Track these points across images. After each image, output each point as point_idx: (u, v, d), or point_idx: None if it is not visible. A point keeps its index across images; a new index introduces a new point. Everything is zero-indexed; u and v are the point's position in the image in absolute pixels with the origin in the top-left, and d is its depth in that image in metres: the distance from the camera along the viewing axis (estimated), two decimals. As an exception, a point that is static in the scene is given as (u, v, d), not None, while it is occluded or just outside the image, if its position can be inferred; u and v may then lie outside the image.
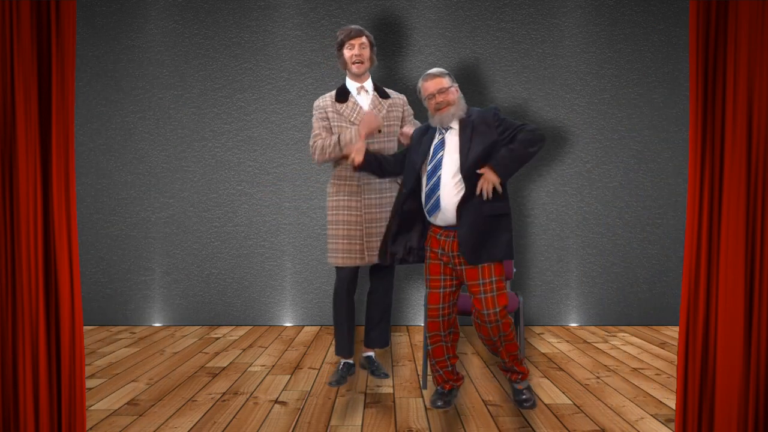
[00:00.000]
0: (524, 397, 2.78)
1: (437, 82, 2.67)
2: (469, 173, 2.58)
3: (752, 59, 1.87)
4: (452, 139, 2.68)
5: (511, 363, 2.78)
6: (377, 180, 3.15)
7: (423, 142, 2.78)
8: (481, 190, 2.55)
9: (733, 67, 1.87)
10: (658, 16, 4.57)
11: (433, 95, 2.67)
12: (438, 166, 2.66)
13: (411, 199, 2.76)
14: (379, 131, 3.16)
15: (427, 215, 2.71)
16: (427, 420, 2.67)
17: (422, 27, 4.57)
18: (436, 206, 2.64)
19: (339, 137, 3.05)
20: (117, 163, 4.65)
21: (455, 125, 2.69)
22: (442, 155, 2.66)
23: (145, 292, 4.65)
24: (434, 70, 2.74)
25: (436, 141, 2.72)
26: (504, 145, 2.62)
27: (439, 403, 2.75)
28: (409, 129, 3.10)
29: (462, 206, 2.59)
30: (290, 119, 4.61)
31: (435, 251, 2.73)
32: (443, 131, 2.71)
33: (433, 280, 2.75)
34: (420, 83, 2.75)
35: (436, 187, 2.63)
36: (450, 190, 2.61)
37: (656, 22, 4.58)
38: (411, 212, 2.76)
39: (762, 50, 1.86)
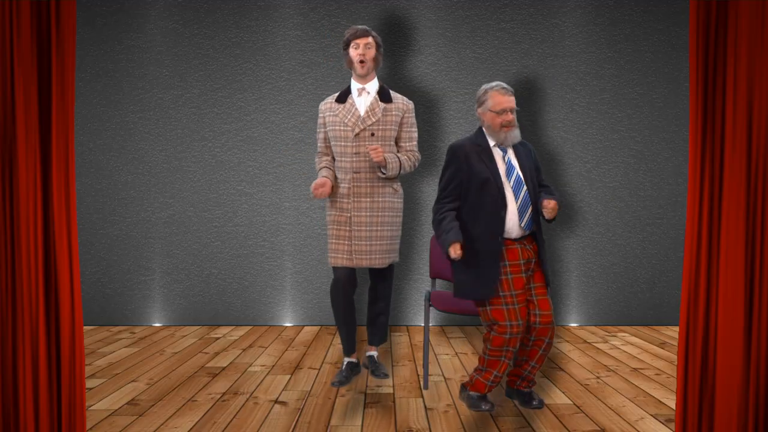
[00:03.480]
0: (534, 401, 2.76)
1: (513, 101, 2.65)
2: (535, 193, 2.69)
3: (752, 59, 1.86)
4: (512, 156, 2.70)
5: (536, 371, 2.74)
6: (369, 184, 3.13)
7: (483, 155, 2.68)
8: (542, 212, 2.65)
9: (733, 67, 1.87)
10: (658, 16, 4.58)
11: (506, 111, 2.62)
12: (521, 182, 2.65)
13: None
14: (372, 134, 3.13)
15: (523, 230, 2.63)
16: (427, 420, 2.67)
17: (422, 27, 4.57)
18: (532, 220, 2.64)
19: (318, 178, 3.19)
20: (117, 163, 4.65)
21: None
22: (518, 171, 2.67)
23: (145, 292, 4.65)
24: (506, 85, 2.68)
25: (505, 156, 2.69)
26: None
27: (486, 407, 2.63)
28: (377, 150, 3.00)
29: (538, 225, 2.69)
30: (290, 119, 4.61)
31: (517, 263, 2.63)
32: (505, 149, 2.69)
33: (520, 294, 2.61)
34: (490, 92, 2.65)
35: (527, 200, 2.63)
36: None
37: (656, 22, 4.58)
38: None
39: (762, 50, 1.86)
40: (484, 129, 2.72)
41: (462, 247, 2.58)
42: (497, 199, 2.61)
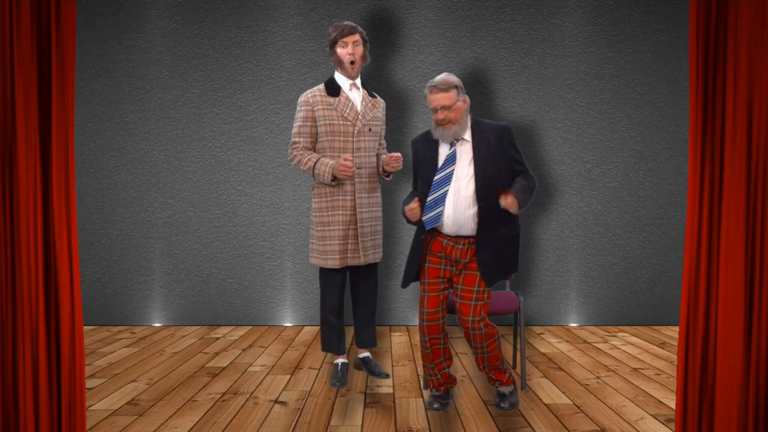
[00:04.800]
0: (503, 403, 2.74)
1: (442, 98, 2.57)
2: (485, 194, 2.57)
3: (752, 59, 1.86)
4: (465, 152, 2.63)
5: (490, 371, 2.75)
6: (368, 180, 3.15)
7: (428, 152, 2.71)
8: (498, 207, 2.54)
9: (733, 67, 1.87)
10: (658, 16, 4.58)
11: (435, 110, 2.59)
12: (447, 180, 2.60)
13: None
14: (369, 130, 3.16)
15: (424, 225, 2.63)
16: (427, 420, 2.67)
17: (422, 27, 4.57)
18: (437, 219, 2.60)
19: (314, 167, 3.05)
20: (117, 163, 4.65)
21: (467, 137, 2.64)
22: (453, 169, 2.61)
23: (145, 292, 4.65)
24: (441, 81, 2.58)
25: (447, 153, 2.64)
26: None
27: (435, 406, 2.71)
28: (387, 157, 3.12)
29: (481, 227, 2.58)
30: (290, 119, 4.61)
31: (437, 255, 2.70)
32: (454, 143, 2.65)
33: (432, 284, 2.70)
34: (426, 91, 2.65)
35: (440, 199, 2.60)
36: (463, 202, 2.58)
37: (656, 22, 4.58)
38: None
39: (762, 50, 1.86)
40: None
41: (417, 206, 2.63)
42: (424, 194, 2.69)
